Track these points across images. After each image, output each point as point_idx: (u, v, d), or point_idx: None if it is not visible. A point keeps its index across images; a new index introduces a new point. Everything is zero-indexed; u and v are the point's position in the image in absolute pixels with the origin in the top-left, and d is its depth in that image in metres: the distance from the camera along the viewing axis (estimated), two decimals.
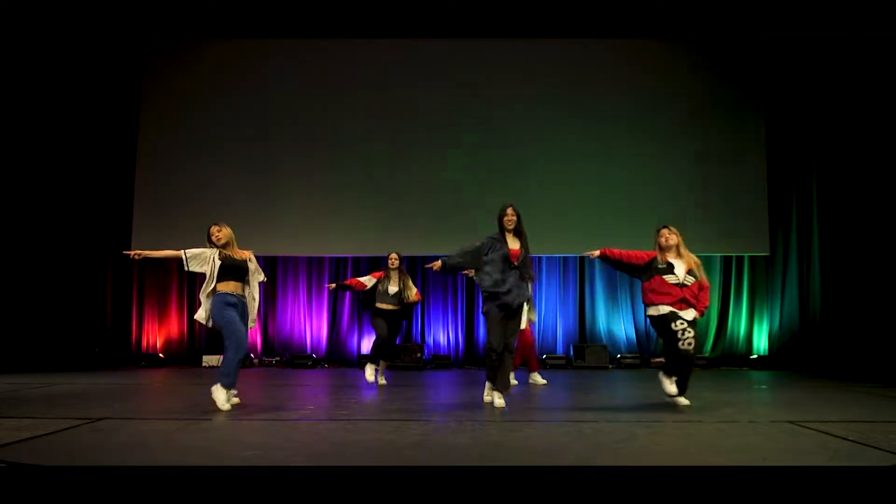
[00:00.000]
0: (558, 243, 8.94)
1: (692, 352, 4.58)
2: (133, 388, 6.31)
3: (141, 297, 9.66)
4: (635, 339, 9.44)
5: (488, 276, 4.70)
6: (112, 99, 9.44)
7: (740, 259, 9.43)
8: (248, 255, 4.84)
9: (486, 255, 4.75)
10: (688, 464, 2.96)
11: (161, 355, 9.44)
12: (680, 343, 4.58)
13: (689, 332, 4.56)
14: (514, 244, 4.79)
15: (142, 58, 9.50)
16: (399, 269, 6.48)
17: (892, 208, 7.31)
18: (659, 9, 8.01)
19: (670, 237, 4.95)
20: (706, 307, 4.89)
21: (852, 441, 3.41)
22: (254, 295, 4.82)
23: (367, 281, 6.52)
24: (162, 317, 9.65)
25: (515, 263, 4.73)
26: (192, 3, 7.87)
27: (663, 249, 4.97)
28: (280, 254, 9.49)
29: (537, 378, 6.60)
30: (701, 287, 4.83)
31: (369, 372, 6.14)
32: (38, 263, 8.54)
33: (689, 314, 4.75)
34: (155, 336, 9.62)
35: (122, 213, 9.34)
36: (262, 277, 4.93)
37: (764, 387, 6.65)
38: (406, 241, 9.01)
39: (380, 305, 6.36)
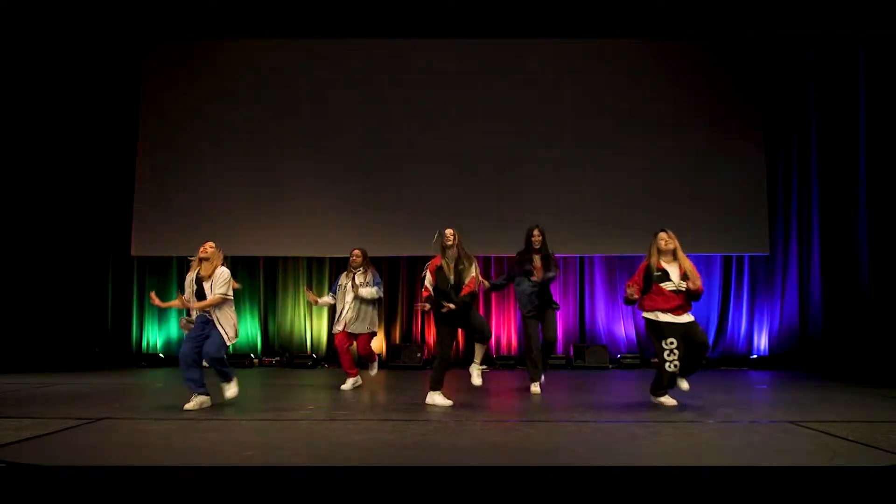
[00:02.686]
0: (558, 243, 8.87)
1: (678, 371, 4.82)
2: (133, 388, 6.31)
3: (141, 297, 9.64)
4: (635, 339, 9.44)
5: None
6: (112, 99, 9.43)
7: (740, 259, 9.42)
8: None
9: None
10: (688, 464, 2.96)
11: (161, 355, 9.43)
12: (667, 365, 4.81)
13: (676, 353, 4.77)
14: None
15: (142, 58, 9.50)
16: (455, 246, 5.12)
17: (892, 208, 7.31)
18: (659, 9, 8.00)
19: (669, 242, 5.03)
20: (699, 288, 4.97)
21: (852, 441, 3.41)
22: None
23: (429, 283, 5.13)
24: (162, 317, 9.64)
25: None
26: (192, 3, 7.86)
27: (661, 253, 5.04)
28: (280, 254, 9.49)
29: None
30: (695, 286, 4.94)
31: (437, 399, 5.09)
32: (38, 264, 8.54)
33: (687, 317, 4.91)
34: (155, 336, 9.61)
35: (122, 214, 9.34)
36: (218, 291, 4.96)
37: (764, 387, 6.65)
38: (407, 242, 9.01)
39: (445, 305, 5.01)
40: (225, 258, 5.13)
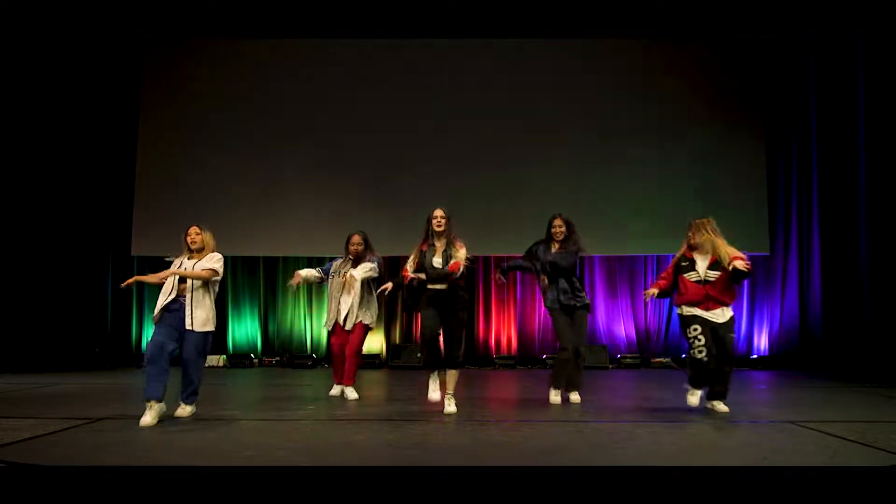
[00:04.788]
0: None
1: (706, 359, 4.40)
2: (133, 388, 6.30)
3: (141, 297, 9.65)
4: (635, 339, 9.44)
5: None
6: (112, 99, 9.44)
7: None
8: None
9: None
10: (688, 464, 2.96)
11: None
12: (691, 351, 4.47)
13: (700, 339, 4.42)
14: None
15: (142, 58, 9.50)
16: (444, 233, 4.67)
17: (892, 207, 7.31)
18: (659, 9, 8.00)
19: (694, 235, 4.62)
20: (744, 261, 4.41)
21: (852, 441, 3.41)
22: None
23: (410, 265, 4.72)
24: None
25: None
26: (192, 3, 7.86)
27: (692, 247, 4.68)
28: (280, 254, 9.49)
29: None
30: (730, 263, 4.41)
31: (431, 387, 4.64)
32: (38, 264, 8.53)
33: (719, 315, 4.50)
34: None
35: (122, 213, 9.34)
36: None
37: (764, 387, 6.64)
38: (408, 242, 8.98)
39: (429, 286, 4.62)
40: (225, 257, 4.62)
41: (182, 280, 4.29)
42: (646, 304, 9.38)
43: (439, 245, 4.62)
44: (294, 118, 9.36)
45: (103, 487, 2.55)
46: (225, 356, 9.24)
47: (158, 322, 4.25)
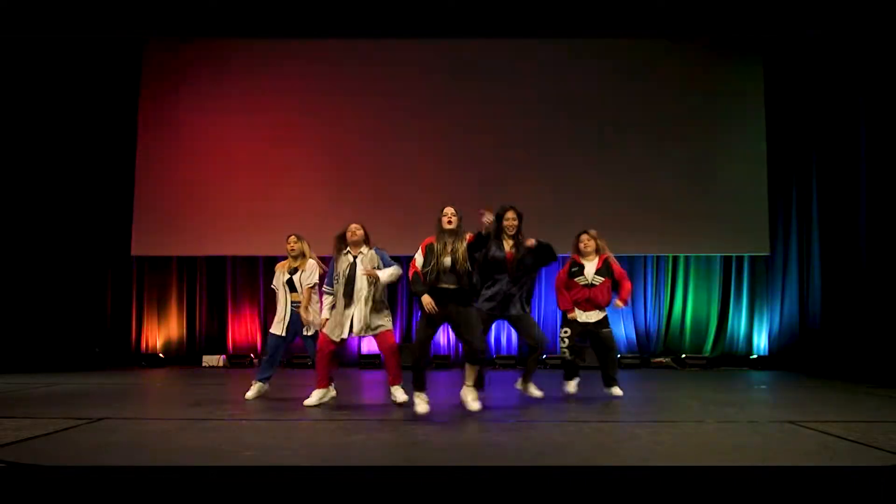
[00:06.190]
0: (557, 243, 8.84)
1: (570, 357, 5.25)
2: (133, 388, 6.31)
3: (141, 297, 9.64)
4: (635, 340, 9.43)
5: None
6: (111, 98, 9.43)
7: (740, 259, 9.42)
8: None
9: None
10: (688, 464, 2.96)
11: (161, 355, 9.43)
12: (561, 351, 5.25)
13: (566, 341, 5.23)
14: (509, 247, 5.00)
15: (141, 57, 9.49)
16: (456, 231, 4.43)
17: (892, 208, 7.31)
18: (659, 9, 8.00)
19: (589, 243, 5.40)
20: (628, 292, 5.30)
21: (852, 441, 3.41)
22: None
23: (418, 258, 4.45)
24: (162, 317, 9.64)
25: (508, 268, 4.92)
26: (191, 2, 7.86)
27: (582, 254, 5.40)
28: (280, 254, 9.46)
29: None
30: (616, 281, 5.27)
31: (418, 403, 4.30)
32: (38, 264, 8.53)
33: (592, 316, 5.22)
34: (155, 336, 9.61)
35: (122, 214, 9.33)
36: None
37: (764, 387, 6.64)
38: (408, 242, 9.00)
39: (436, 286, 4.32)
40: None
41: (293, 290, 5.40)
42: (645, 305, 9.43)
43: (449, 242, 4.34)
44: (294, 118, 9.35)
45: (103, 487, 2.55)
46: (225, 356, 9.24)
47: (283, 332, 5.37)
